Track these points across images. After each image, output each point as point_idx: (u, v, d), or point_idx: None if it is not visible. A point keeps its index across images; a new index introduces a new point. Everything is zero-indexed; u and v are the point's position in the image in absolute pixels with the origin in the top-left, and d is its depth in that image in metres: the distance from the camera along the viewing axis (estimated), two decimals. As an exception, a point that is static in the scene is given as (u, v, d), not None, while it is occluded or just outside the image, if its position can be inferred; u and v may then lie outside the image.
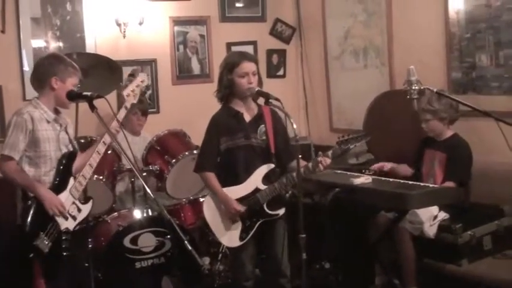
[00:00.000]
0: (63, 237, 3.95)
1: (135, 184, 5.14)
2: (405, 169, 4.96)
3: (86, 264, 4.56)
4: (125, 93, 4.29)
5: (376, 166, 4.98)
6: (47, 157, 3.99)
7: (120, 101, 5.80)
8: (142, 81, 4.43)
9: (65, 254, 3.94)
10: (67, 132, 4.18)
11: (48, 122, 4.01)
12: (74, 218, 4.04)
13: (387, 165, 4.95)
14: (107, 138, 4.07)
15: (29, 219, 3.82)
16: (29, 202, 3.87)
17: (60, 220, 3.93)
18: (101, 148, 4.08)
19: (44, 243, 3.81)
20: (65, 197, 3.99)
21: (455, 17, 5.29)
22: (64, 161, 4.06)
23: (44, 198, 3.86)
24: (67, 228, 3.98)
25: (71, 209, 4.01)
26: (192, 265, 3.51)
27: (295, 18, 7.27)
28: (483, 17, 5.08)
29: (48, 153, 3.99)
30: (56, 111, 4.13)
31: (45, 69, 4.08)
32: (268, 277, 4.44)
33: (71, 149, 4.16)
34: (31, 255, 3.79)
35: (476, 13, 5.13)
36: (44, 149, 3.97)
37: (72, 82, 4.07)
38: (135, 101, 4.34)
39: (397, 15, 5.97)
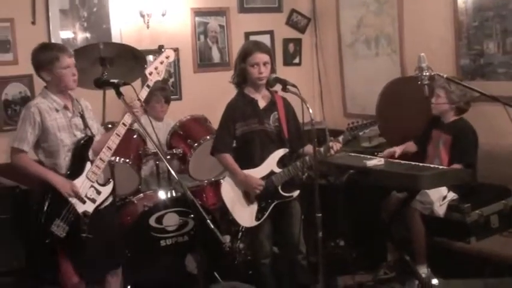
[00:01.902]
0: (83, 221, 3.96)
1: (159, 167, 5.21)
2: (411, 146, 5.05)
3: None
4: (147, 71, 4.15)
5: (386, 153, 4.99)
6: (60, 145, 3.99)
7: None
8: (167, 57, 4.24)
9: (84, 235, 3.95)
10: (83, 117, 4.12)
11: (57, 110, 4.01)
12: (93, 200, 4.01)
13: (398, 151, 4.96)
14: (126, 120, 3.98)
15: (44, 206, 3.87)
16: (44, 189, 3.91)
17: (77, 204, 3.94)
18: (120, 130, 3.98)
19: (60, 228, 3.87)
20: (81, 181, 3.97)
21: (464, 6, 5.37)
22: (79, 147, 4.03)
23: (56, 183, 3.88)
24: (86, 211, 3.97)
25: (89, 193, 4.00)
26: (213, 243, 3.52)
27: (310, 9, 7.37)
28: (490, 5, 5.15)
29: (61, 141, 3.98)
30: (70, 96, 4.11)
31: (35, 64, 4.05)
32: (285, 254, 4.59)
33: (88, 134, 4.09)
34: (47, 240, 3.86)
35: (484, 2, 5.21)
36: (56, 138, 3.97)
37: (61, 65, 3.97)
38: (160, 78, 4.18)
39: (408, 5, 6.05)
